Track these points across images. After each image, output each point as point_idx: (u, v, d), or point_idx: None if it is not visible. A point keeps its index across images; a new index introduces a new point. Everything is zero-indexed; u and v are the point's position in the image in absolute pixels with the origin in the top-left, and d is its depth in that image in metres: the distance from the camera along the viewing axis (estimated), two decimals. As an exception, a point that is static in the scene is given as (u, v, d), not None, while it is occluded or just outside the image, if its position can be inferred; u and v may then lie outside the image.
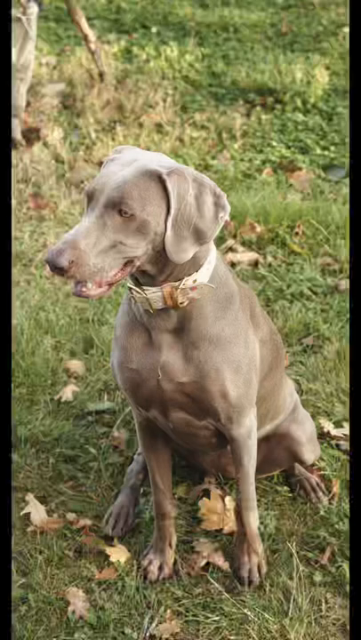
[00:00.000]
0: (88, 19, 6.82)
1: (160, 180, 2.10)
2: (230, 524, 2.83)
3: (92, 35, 6.02)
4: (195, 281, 2.23)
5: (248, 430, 2.51)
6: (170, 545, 2.71)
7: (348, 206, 4.63)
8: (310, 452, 2.92)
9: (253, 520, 2.67)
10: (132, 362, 2.37)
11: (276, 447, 2.89)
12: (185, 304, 2.24)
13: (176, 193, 2.10)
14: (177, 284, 2.21)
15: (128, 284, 2.27)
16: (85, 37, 6.00)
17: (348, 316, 3.83)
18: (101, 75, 6.14)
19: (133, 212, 2.06)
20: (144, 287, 2.22)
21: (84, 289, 2.10)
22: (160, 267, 2.19)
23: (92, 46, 6.03)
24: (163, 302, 2.23)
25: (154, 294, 2.22)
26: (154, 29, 7.48)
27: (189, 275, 2.23)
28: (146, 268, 2.18)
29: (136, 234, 2.09)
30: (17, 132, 5.41)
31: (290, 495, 2.98)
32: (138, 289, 2.23)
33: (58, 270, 2.02)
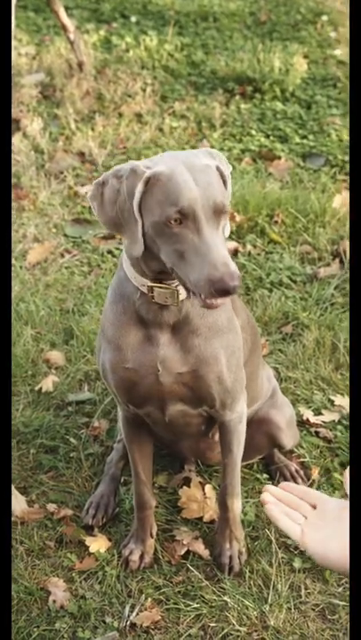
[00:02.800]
0: (67, 8, 6.79)
1: (218, 171, 2.14)
2: (211, 512, 2.85)
3: (70, 24, 5.99)
4: None
5: (240, 416, 2.55)
6: (150, 534, 2.73)
7: (327, 195, 4.64)
8: (289, 436, 2.94)
9: (237, 506, 2.70)
10: (128, 361, 2.35)
11: (256, 432, 2.91)
12: None
13: (228, 177, 2.20)
14: None
15: (147, 284, 2.23)
16: (64, 27, 5.97)
17: (326, 304, 3.85)
18: (81, 65, 6.12)
19: (228, 208, 2.10)
20: (167, 282, 2.22)
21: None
22: None
23: (71, 36, 6.00)
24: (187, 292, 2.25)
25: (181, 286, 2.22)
26: (133, 19, 7.45)
27: None
28: None
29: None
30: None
31: (269, 482, 3.00)
32: (162, 284, 2.23)
33: (235, 290, 1.99)
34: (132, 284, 2.29)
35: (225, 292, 1.97)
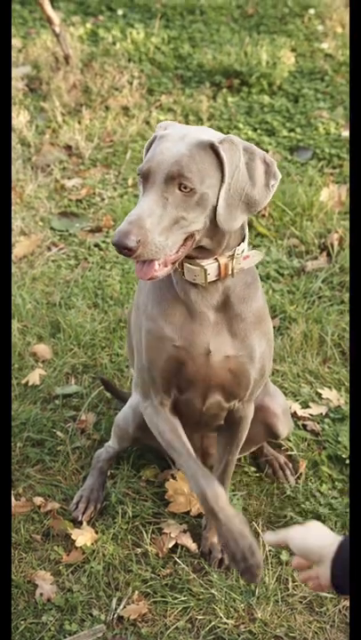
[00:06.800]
0: (52, 1, 6.76)
1: (213, 150, 2.11)
2: (198, 506, 2.84)
3: (55, 17, 5.96)
4: (243, 251, 2.25)
5: (253, 409, 2.57)
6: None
7: (314, 188, 4.64)
8: (285, 424, 2.91)
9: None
10: (178, 339, 2.31)
11: (253, 422, 2.89)
12: (235, 273, 2.25)
13: (229, 161, 2.12)
14: (232, 253, 2.23)
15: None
16: (49, 20, 5.94)
17: (313, 297, 3.86)
18: (67, 58, 6.09)
19: (193, 185, 2.07)
20: (198, 260, 2.21)
21: (153, 270, 2.09)
22: (217, 239, 2.18)
23: (56, 29, 5.97)
24: (216, 274, 2.23)
25: (210, 265, 2.21)
26: (120, 11, 7.42)
27: (238, 245, 2.24)
28: (203, 243, 2.18)
29: (195, 207, 2.09)
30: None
31: (257, 475, 3.00)
32: (192, 262, 2.21)
33: (126, 251, 2.00)
34: None
35: (117, 245, 2.01)
